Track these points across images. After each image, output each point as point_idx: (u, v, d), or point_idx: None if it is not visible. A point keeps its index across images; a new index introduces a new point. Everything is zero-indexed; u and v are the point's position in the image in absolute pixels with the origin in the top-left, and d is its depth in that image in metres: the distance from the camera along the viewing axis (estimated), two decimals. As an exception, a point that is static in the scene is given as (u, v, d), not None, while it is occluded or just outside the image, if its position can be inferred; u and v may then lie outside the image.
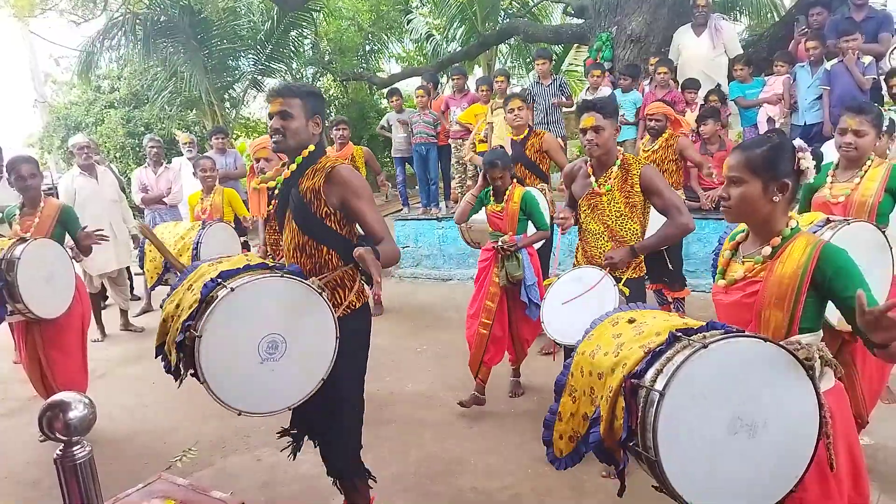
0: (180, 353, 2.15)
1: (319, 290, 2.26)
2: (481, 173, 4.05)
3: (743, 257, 2.00)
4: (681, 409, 1.59)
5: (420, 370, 4.86)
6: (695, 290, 5.53)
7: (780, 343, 1.69)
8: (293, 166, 2.44)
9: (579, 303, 3.13)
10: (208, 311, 2.09)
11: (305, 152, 2.40)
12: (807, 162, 1.93)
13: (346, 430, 2.54)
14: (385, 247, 2.35)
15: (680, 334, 1.70)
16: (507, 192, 3.95)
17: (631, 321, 1.96)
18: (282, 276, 2.23)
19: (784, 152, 1.92)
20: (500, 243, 3.90)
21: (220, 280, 2.18)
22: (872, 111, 3.07)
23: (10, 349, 5.65)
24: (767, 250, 1.90)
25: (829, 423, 1.70)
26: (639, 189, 3.10)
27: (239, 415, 2.24)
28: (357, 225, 2.49)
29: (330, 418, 2.46)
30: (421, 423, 4.01)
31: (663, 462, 1.58)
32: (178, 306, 2.26)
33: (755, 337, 1.68)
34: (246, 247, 5.53)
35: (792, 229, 1.91)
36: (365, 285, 2.56)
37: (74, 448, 1.40)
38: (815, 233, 2.63)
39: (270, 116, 2.43)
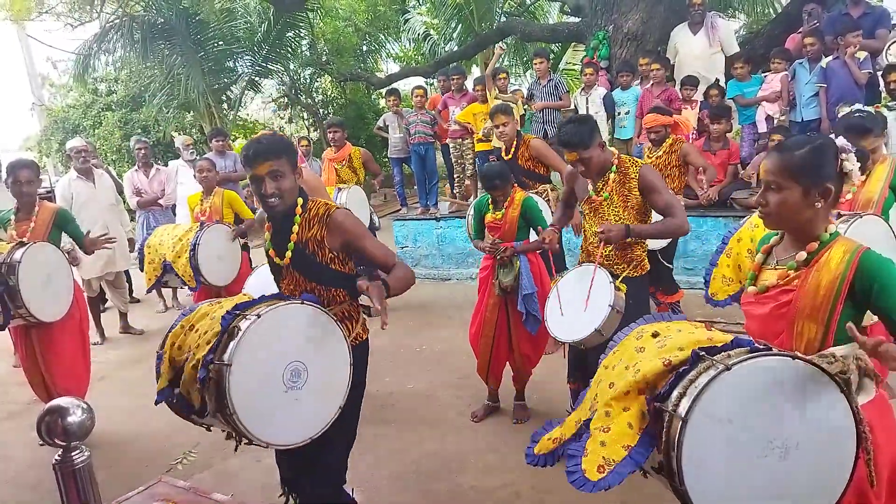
0: (204, 390, 2.09)
1: (336, 319, 2.27)
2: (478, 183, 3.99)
3: (776, 263, 1.87)
4: (705, 434, 1.54)
5: (420, 369, 4.87)
6: (692, 289, 5.54)
7: (811, 359, 1.60)
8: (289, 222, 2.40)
9: (576, 301, 3.15)
10: (237, 340, 2.05)
11: (298, 209, 2.38)
12: (850, 164, 1.81)
13: (341, 457, 2.52)
14: (397, 273, 2.37)
15: (703, 353, 1.63)
16: (508, 198, 3.81)
17: (655, 335, 1.88)
18: (302, 304, 2.22)
19: (826, 154, 1.79)
20: (493, 245, 3.76)
21: (237, 311, 2.15)
22: (874, 129, 3.09)
23: (10, 352, 5.66)
24: (802, 256, 1.78)
25: (868, 439, 1.60)
26: (637, 191, 3.08)
27: (266, 447, 2.20)
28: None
29: (326, 447, 2.38)
30: (421, 421, 4.02)
31: (689, 490, 1.55)
32: (179, 348, 2.22)
33: (782, 355, 1.60)
34: (245, 249, 5.52)
35: (831, 235, 1.79)
36: (365, 316, 2.57)
37: (73, 453, 1.41)
38: None
39: (255, 180, 2.33)
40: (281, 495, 2.62)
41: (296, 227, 2.37)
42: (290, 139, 2.45)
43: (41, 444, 4.47)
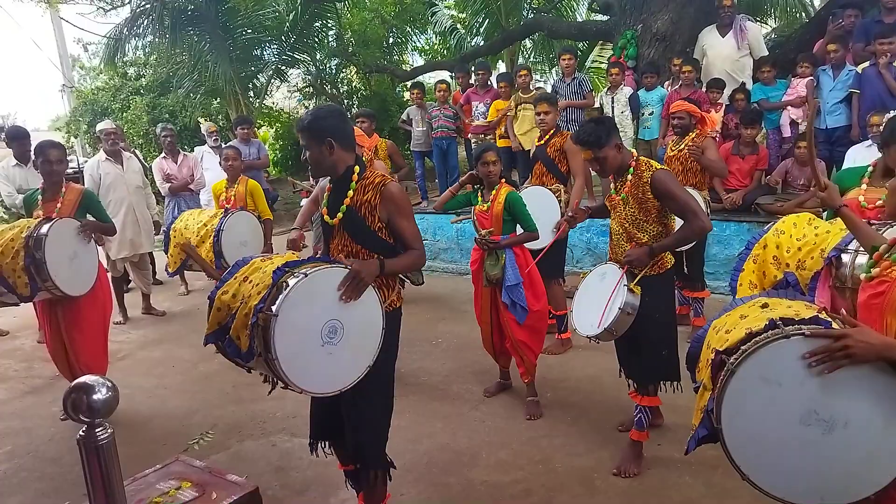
0: (252, 335, 2.29)
1: (374, 285, 2.44)
2: (468, 173, 4.01)
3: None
4: (749, 387, 1.66)
5: (435, 362, 4.89)
6: (714, 293, 5.49)
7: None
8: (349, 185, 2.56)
9: (594, 299, 3.27)
10: (285, 294, 2.24)
11: (355, 175, 2.54)
12: None
13: (377, 418, 2.65)
14: (406, 257, 2.57)
15: (779, 322, 1.71)
16: (494, 192, 3.88)
17: (764, 306, 1.95)
18: (346, 268, 2.39)
19: None
20: (480, 235, 3.86)
21: (287, 268, 2.36)
22: None
23: (36, 328, 5.79)
24: None
25: None
26: (651, 195, 3.11)
27: (300, 392, 2.38)
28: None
29: (362, 407, 2.57)
30: (434, 414, 4.04)
31: (724, 431, 1.69)
32: (234, 296, 2.41)
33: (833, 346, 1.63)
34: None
35: None
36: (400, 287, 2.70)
37: (97, 430, 1.45)
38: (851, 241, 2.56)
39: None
40: (312, 449, 2.82)
41: (350, 192, 2.53)
42: (327, 113, 2.57)
43: (63, 419, 4.61)
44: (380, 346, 2.46)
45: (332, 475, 3.25)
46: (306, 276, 2.28)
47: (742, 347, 1.70)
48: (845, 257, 2.55)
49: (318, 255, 2.89)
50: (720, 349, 1.77)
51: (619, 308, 3.08)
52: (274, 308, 2.22)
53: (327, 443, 2.80)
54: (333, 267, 2.38)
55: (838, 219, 2.83)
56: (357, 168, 2.55)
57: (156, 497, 2.89)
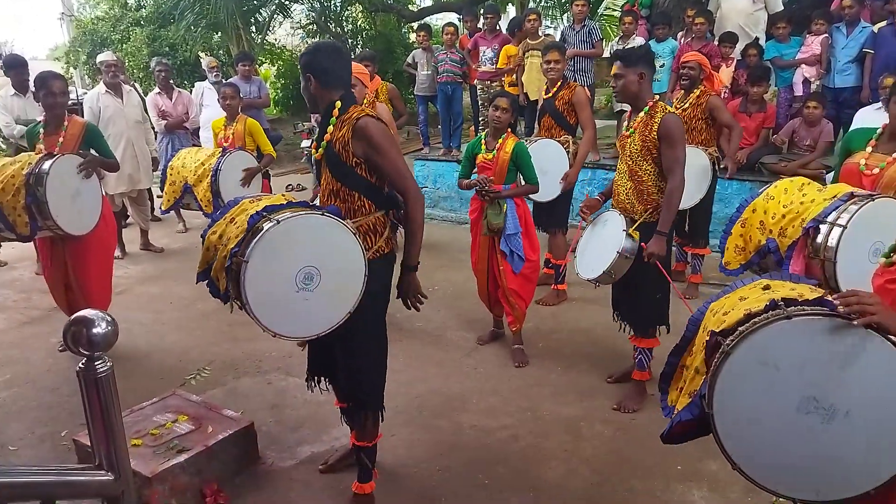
0: (228, 278, 2.35)
1: (354, 231, 2.42)
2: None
3: None
4: (745, 371, 1.57)
5: (430, 309, 4.91)
6: (714, 251, 5.49)
7: (886, 334, 1.50)
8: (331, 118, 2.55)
9: (596, 244, 3.46)
10: (255, 240, 2.26)
11: (335, 111, 2.50)
12: None
13: (371, 362, 2.68)
14: (411, 230, 2.56)
15: (780, 303, 1.62)
16: (501, 141, 3.87)
17: (766, 288, 1.85)
18: (322, 214, 2.39)
19: None
20: (480, 182, 3.84)
21: (265, 213, 2.36)
22: None
23: (34, 259, 5.82)
24: None
25: None
26: (655, 135, 3.18)
27: (274, 336, 2.42)
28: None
29: (354, 352, 2.61)
30: (428, 359, 4.11)
31: (716, 417, 1.60)
32: (221, 237, 2.44)
33: (845, 317, 1.52)
34: (266, 176, 5.56)
35: None
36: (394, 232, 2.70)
37: (96, 363, 1.48)
38: (837, 208, 2.56)
39: None
40: (309, 386, 2.88)
41: (330, 127, 2.51)
42: (313, 49, 2.57)
43: (61, 350, 4.66)
44: (361, 291, 2.46)
45: (326, 413, 3.33)
46: (278, 223, 2.28)
47: (739, 329, 1.62)
48: (822, 228, 2.57)
49: (312, 200, 2.87)
50: (716, 330, 1.69)
51: (618, 252, 3.22)
52: (246, 253, 2.25)
53: (325, 379, 2.84)
54: (309, 214, 2.38)
55: (837, 185, 2.81)
56: (339, 104, 2.51)
57: (153, 429, 2.98)
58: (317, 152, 2.57)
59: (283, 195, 2.69)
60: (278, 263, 2.31)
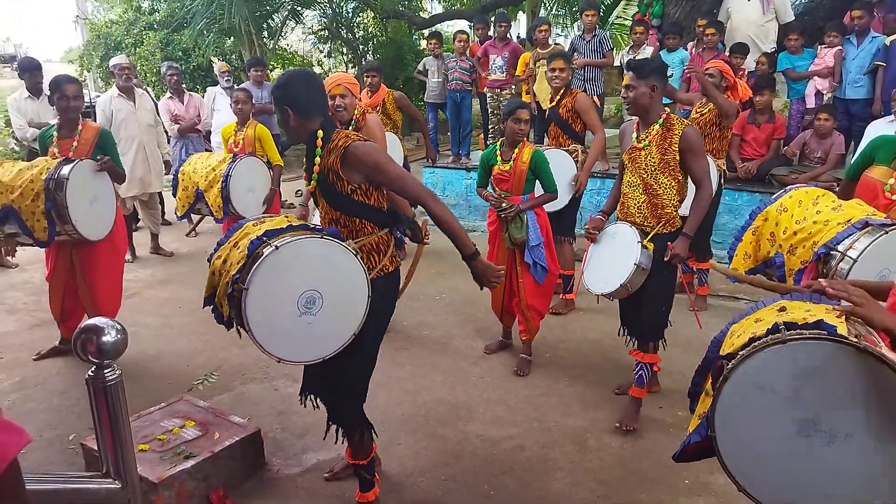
0: (230, 305, 2.35)
1: (355, 253, 2.39)
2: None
3: None
4: (743, 394, 1.60)
5: (437, 317, 4.94)
6: (720, 262, 5.48)
7: (882, 355, 1.48)
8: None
9: (608, 256, 3.39)
10: (255, 267, 2.25)
11: (319, 141, 2.45)
12: None
13: (353, 380, 2.62)
14: (445, 222, 2.52)
15: (782, 326, 1.63)
16: (517, 151, 3.84)
17: (782, 309, 1.82)
18: (321, 238, 2.36)
19: None
20: (498, 198, 3.84)
21: (265, 238, 2.34)
22: None
23: (44, 262, 5.85)
24: None
25: None
26: (676, 147, 3.17)
27: (279, 362, 2.40)
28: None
29: (344, 370, 2.56)
30: (433, 367, 4.11)
31: (717, 439, 1.63)
32: (224, 262, 2.42)
33: (843, 341, 1.50)
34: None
35: None
36: (397, 250, 2.67)
37: (105, 371, 1.49)
38: (850, 236, 2.52)
39: None
40: (301, 400, 2.84)
41: (317, 159, 2.47)
42: (283, 82, 2.48)
43: (35, 359, 4.60)
44: (366, 312, 2.43)
45: (332, 422, 3.33)
46: (277, 248, 2.26)
47: (740, 353, 1.63)
48: (835, 256, 2.55)
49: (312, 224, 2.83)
50: (723, 354, 1.71)
51: (635, 264, 3.18)
52: (247, 280, 2.25)
53: (316, 397, 2.79)
54: (309, 238, 2.35)
55: (852, 205, 2.75)
56: (321, 133, 2.45)
57: (160, 434, 2.99)
58: (309, 184, 2.53)
59: (286, 217, 2.66)
60: (279, 289, 2.30)
